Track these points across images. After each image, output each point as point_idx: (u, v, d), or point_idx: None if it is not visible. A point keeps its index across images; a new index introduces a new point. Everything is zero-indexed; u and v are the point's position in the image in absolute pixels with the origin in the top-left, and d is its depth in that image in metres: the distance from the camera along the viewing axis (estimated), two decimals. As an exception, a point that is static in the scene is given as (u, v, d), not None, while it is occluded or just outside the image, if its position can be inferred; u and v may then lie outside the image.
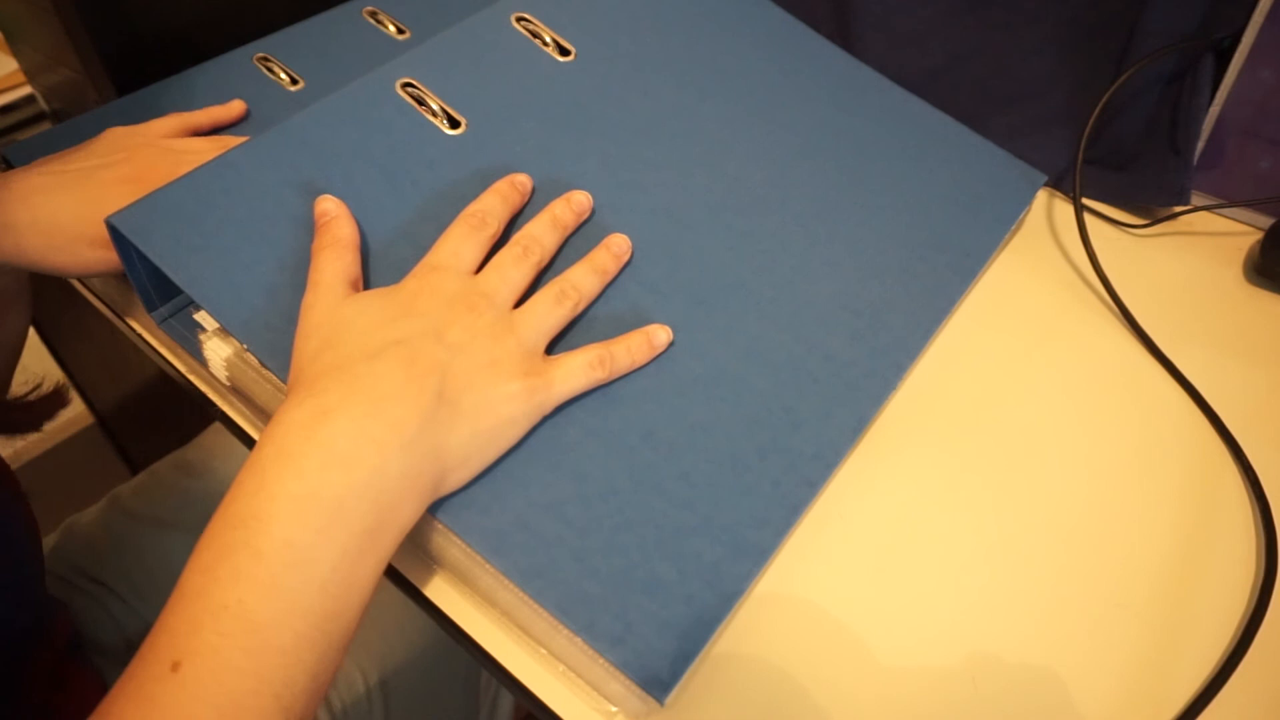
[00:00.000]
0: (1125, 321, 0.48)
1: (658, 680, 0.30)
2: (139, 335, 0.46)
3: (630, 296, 0.41)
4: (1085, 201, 0.55)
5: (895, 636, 0.35)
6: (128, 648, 0.56)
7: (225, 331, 0.39)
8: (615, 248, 0.41)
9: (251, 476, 0.29)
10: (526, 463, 0.35)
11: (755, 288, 0.43)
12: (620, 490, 0.35)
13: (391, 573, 0.36)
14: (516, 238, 0.39)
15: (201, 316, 0.40)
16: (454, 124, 0.43)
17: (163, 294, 0.41)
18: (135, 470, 1.07)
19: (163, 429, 0.90)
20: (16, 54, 0.64)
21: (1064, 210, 0.56)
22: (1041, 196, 0.57)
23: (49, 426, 0.49)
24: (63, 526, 0.61)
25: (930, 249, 0.47)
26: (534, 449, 0.35)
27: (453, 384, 0.33)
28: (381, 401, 0.31)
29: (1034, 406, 0.44)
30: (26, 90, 0.68)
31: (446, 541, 0.34)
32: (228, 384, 0.40)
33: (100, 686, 0.49)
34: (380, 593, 0.62)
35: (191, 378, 0.44)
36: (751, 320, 0.41)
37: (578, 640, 0.31)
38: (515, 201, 0.41)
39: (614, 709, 0.32)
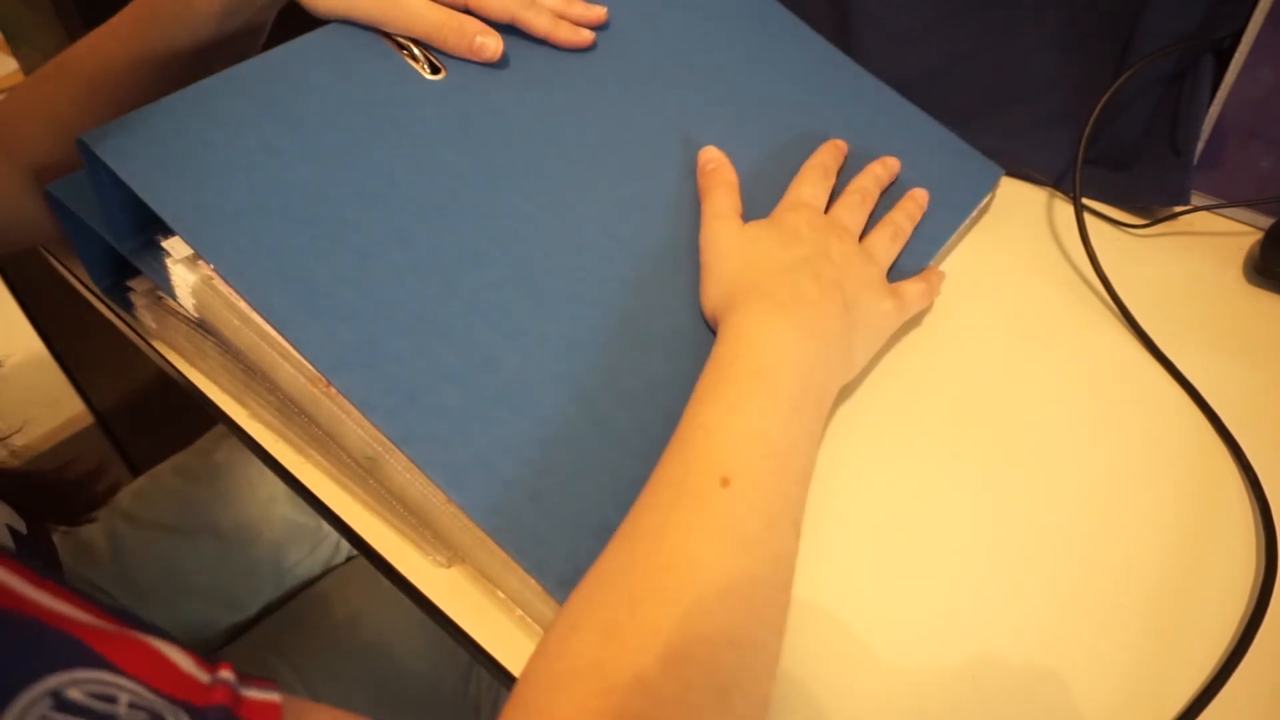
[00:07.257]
0: (1125, 321, 0.48)
1: None
2: (139, 335, 0.46)
3: (600, 249, 0.41)
4: (1085, 201, 0.55)
5: (895, 636, 0.35)
6: None
7: (193, 259, 0.38)
8: (920, 199, 0.48)
9: (745, 337, 0.36)
10: (491, 403, 0.35)
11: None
12: (579, 435, 0.35)
13: (369, 553, 0.36)
14: (852, 188, 0.46)
15: (169, 244, 0.39)
16: (435, 70, 0.44)
17: (133, 226, 0.40)
18: (136, 472, 1.07)
19: (163, 430, 0.90)
20: (16, 54, 0.64)
21: (1064, 210, 0.56)
22: (1041, 196, 0.57)
23: (49, 427, 0.48)
24: (62, 531, 0.60)
25: None
26: (498, 389, 0.35)
27: (849, 296, 0.39)
28: (810, 304, 0.37)
29: (1034, 406, 0.44)
30: (27, 91, 0.68)
31: (409, 477, 0.34)
32: (195, 314, 0.39)
33: None
34: (382, 605, 0.61)
35: (191, 378, 0.44)
36: None
37: (530, 581, 0.32)
38: (839, 161, 0.48)
39: None
